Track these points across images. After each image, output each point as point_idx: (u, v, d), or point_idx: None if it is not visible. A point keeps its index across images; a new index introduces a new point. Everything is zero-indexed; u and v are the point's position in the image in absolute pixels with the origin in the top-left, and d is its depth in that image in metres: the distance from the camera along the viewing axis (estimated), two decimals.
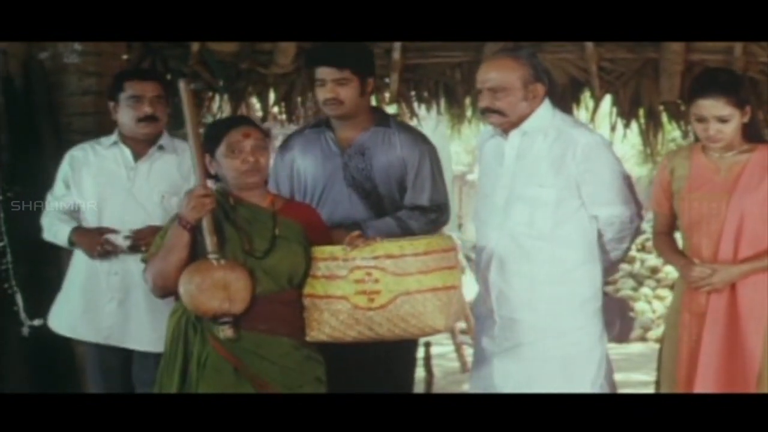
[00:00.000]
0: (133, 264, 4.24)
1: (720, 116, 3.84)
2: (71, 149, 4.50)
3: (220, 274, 3.49)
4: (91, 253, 4.29)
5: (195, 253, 3.59)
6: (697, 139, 4.03)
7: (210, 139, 3.69)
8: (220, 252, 3.54)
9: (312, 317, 3.61)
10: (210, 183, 3.69)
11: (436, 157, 4.39)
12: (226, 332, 3.51)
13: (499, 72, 3.98)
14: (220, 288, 3.48)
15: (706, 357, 3.87)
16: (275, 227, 3.63)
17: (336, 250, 3.59)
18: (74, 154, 4.47)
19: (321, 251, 3.61)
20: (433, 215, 4.28)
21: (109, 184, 4.36)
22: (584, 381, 4.01)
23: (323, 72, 4.20)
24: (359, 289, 3.55)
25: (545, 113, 4.05)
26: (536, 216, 3.99)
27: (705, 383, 3.85)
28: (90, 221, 4.34)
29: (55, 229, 4.36)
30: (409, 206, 4.25)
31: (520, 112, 4.00)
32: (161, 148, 4.42)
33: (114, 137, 4.43)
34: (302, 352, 3.62)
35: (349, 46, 4.22)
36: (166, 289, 3.64)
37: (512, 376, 4.02)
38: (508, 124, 4.02)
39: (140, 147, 4.40)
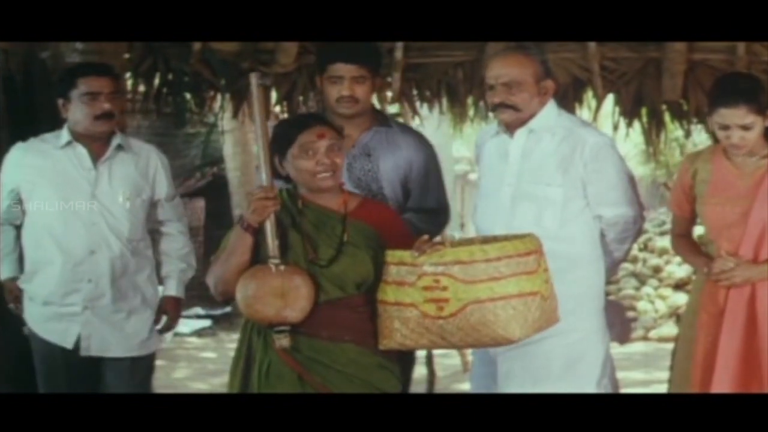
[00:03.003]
0: (106, 269, 4.25)
1: (743, 124, 3.83)
2: (10, 151, 4.36)
3: (278, 282, 3.37)
4: (6, 301, 4.38)
5: (258, 258, 3.45)
6: (716, 141, 4.02)
7: (280, 139, 3.53)
8: (282, 257, 3.41)
9: (383, 324, 3.45)
10: (279, 184, 3.55)
11: (437, 157, 4.37)
12: (281, 341, 3.39)
13: (513, 68, 3.98)
14: (278, 296, 3.36)
15: (724, 358, 3.87)
16: (344, 232, 3.47)
17: (405, 255, 3.41)
18: (21, 157, 4.32)
19: (392, 255, 3.44)
20: (442, 217, 4.25)
21: (71, 188, 4.25)
22: (590, 381, 4.01)
23: (341, 68, 4.12)
24: (428, 296, 3.36)
25: (551, 112, 4.06)
26: (543, 215, 3.99)
27: (722, 384, 3.84)
28: (57, 227, 4.24)
29: None
30: (415, 209, 4.21)
31: (533, 108, 4.01)
32: (120, 147, 4.31)
33: (66, 136, 4.29)
34: (372, 359, 3.48)
35: (364, 45, 4.17)
36: (226, 294, 3.51)
37: (517, 376, 4.01)
38: (518, 121, 4.02)
39: (96, 146, 4.28)
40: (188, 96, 6.34)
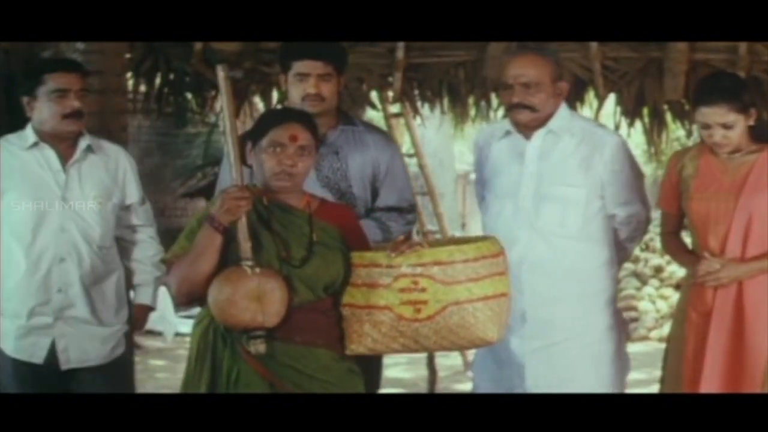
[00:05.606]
0: (76, 278, 4.07)
1: (724, 123, 3.84)
2: None
3: (254, 284, 3.24)
4: None
5: (225, 259, 3.34)
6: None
7: (257, 128, 3.45)
8: (255, 258, 3.30)
9: (352, 329, 3.36)
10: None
11: (402, 156, 4.37)
12: (257, 347, 3.28)
13: (532, 68, 4.00)
14: (254, 300, 3.24)
15: (712, 356, 3.88)
16: (312, 232, 3.38)
17: (378, 256, 3.34)
18: None
19: (361, 257, 3.36)
20: (410, 216, 4.22)
21: (40, 192, 4.03)
22: (614, 380, 4.05)
23: (308, 66, 4.06)
24: (405, 298, 3.28)
25: (565, 113, 4.08)
26: (567, 215, 4.01)
27: (711, 383, 3.86)
28: (25, 234, 4.02)
29: None
30: (383, 207, 4.15)
31: (548, 109, 4.03)
32: (89, 148, 4.12)
33: (32, 137, 4.07)
34: (343, 365, 3.41)
35: (330, 43, 4.11)
36: (191, 296, 3.38)
37: (543, 376, 4.02)
38: (534, 122, 4.03)
39: (64, 147, 4.07)
40: (189, 96, 6.35)
